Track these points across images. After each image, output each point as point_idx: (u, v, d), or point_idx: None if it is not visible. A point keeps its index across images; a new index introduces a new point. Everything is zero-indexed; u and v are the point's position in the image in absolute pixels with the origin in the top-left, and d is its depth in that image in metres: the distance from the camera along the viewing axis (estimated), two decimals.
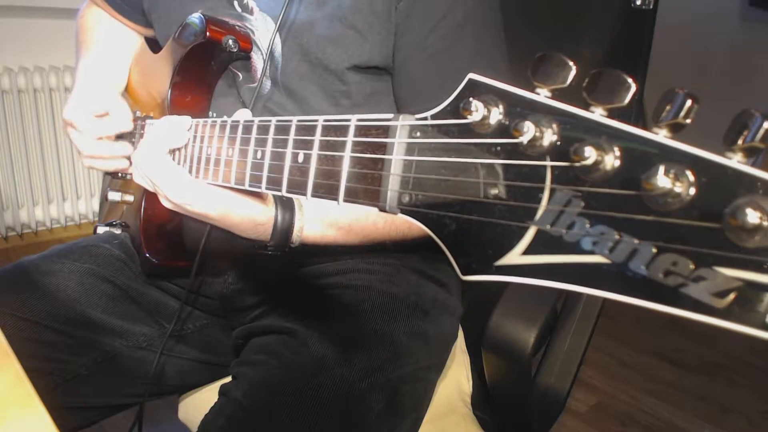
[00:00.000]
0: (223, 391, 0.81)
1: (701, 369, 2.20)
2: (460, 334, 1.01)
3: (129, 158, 0.96)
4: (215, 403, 0.80)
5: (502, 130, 0.33)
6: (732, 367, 2.21)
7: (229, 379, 0.84)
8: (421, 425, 0.84)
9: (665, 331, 2.37)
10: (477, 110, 0.33)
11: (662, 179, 0.26)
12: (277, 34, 0.83)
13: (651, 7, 1.03)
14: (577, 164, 0.29)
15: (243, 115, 0.62)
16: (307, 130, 0.48)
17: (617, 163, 0.28)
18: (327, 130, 0.46)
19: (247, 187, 0.57)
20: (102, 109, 0.94)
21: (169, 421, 1.07)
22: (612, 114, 0.30)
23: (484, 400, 0.98)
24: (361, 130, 0.42)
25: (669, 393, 2.05)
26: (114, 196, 0.99)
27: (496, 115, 0.33)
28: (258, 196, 0.70)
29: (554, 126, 0.30)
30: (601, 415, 1.94)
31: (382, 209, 0.39)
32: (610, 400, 2.00)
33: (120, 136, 0.96)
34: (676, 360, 2.24)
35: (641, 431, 1.89)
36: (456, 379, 0.97)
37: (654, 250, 0.27)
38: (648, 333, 2.37)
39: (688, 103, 0.27)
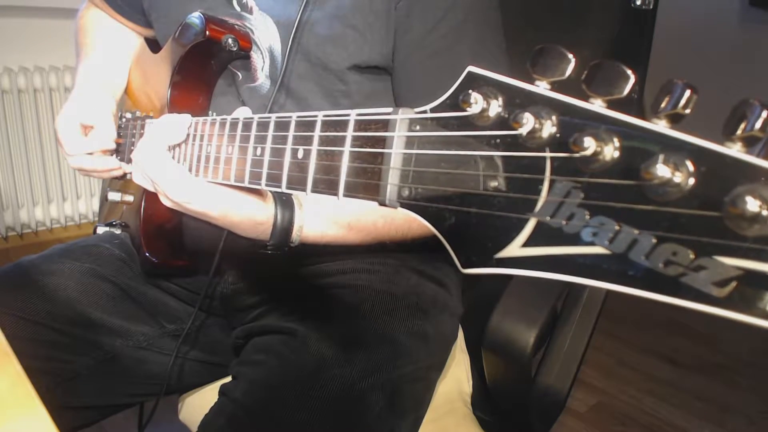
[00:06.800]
0: (223, 390, 0.81)
1: (701, 369, 2.20)
2: (460, 334, 1.01)
3: (125, 161, 0.97)
4: (215, 403, 0.80)
5: (501, 123, 0.32)
6: (732, 367, 2.21)
7: (229, 379, 0.84)
8: (421, 425, 0.84)
9: (665, 331, 2.37)
10: (476, 103, 0.33)
11: (662, 169, 0.26)
12: (277, 33, 0.83)
13: (651, 7, 1.03)
14: (576, 155, 0.29)
15: (243, 113, 0.62)
16: (307, 125, 0.48)
17: (617, 153, 0.28)
18: (326, 125, 0.46)
19: (246, 184, 0.57)
20: (89, 122, 0.95)
21: (169, 421, 1.06)
22: (611, 106, 0.30)
23: (484, 400, 0.97)
24: (360, 125, 0.42)
25: (669, 393, 2.05)
26: (114, 196, 0.99)
27: (496, 107, 0.33)
28: (258, 195, 0.69)
29: (553, 117, 0.30)
30: (601, 415, 1.93)
31: (382, 203, 0.39)
32: (610, 400, 2.00)
33: (115, 149, 0.97)
34: (676, 360, 2.24)
35: (641, 431, 1.89)
36: (456, 379, 0.97)
37: (654, 240, 0.26)
38: (648, 333, 2.36)
39: (687, 93, 0.27)
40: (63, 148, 0.97)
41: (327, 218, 0.75)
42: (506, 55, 0.83)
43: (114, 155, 0.98)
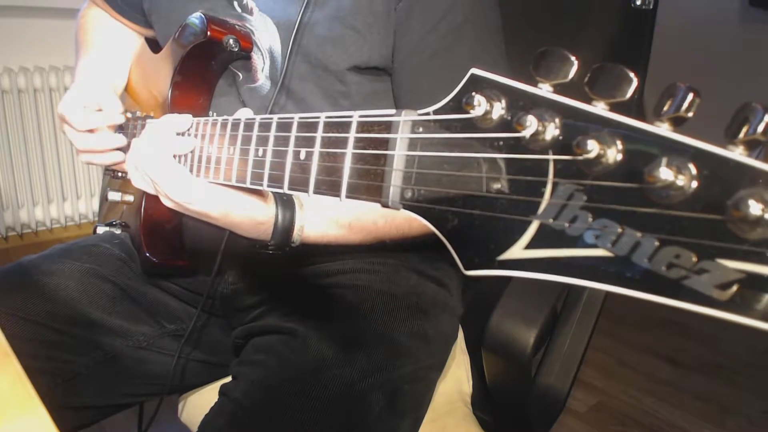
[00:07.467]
0: (223, 391, 0.81)
1: (701, 369, 2.20)
2: (460, 334, 1.01)
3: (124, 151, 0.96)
4: (215, 403, 0.80)
5: (504, 125, 0.33)
6: (732, 367, 2.21)
7: (229, 379, 0.84)
8: (421, 425, 0.84)
9: (665, 331, 2.37)
10: (479, 105, 0.33)
11: (665, 172, 0.26)
12: (278, 34, 0.83)
13: (651, 7, 1.04)
14: (579, 158, 0.29)
15: (244, 114, 0.62)
16: (309, 127, 0.48)
17: (619, 156, 0.28)
18: (329, 126, 0.46)
19: (248, 185, 0.57)
20: (95, 105, 0.94)
21: (169, 421, 1.06)
22: (614, 108, 0.30)
23: (484, 400, 0.97)
24: (363, 126, 0.42)
25: (669, 393, 2.05)
26: (114, 196, 0.99)
27: (499, 109, 0.33)
28: (259, 195, 0.69)
29: (556, 120, 0.30)
30: (601, 415, 1.93)
31: (385, 205, 0.39)
32: (610, 400, 2.00)
33: (116, 131, 0.96)
34: (676, 360, 2.24)
35: (641, 431, 1.89)
36: (456, 379, 0.97)
37: (656, 243, 0.27)
38: (648, 333, 2.37)
39: (690, 96, 0.27)
40: (70, 126, 0.94)
41: (328, 218, 0.75)
42: (506, 56, 0.83)
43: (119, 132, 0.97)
